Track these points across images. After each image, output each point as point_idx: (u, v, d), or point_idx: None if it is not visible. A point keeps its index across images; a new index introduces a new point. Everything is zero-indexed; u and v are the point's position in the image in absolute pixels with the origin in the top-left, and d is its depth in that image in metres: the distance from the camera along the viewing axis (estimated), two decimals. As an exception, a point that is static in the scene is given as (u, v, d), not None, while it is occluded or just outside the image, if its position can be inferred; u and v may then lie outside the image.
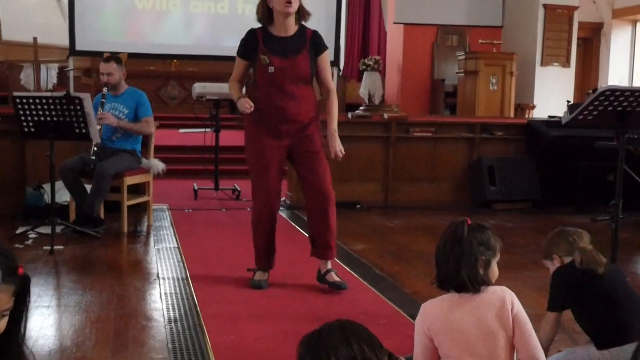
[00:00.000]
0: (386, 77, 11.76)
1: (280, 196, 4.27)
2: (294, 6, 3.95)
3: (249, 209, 6.78)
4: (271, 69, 4.00)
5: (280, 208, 6.94)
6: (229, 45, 11.19)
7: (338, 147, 4.14)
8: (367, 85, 10.73)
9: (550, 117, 7.96)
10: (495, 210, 7.13)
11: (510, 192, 7.28)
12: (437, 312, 2.34)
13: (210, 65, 13.47)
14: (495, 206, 7.21)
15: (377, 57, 11.18)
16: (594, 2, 11.02)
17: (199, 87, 7.63)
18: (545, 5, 10.08)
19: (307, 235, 4.41)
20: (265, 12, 4.03)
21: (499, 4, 10.91)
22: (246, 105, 3.96)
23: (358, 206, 7.09)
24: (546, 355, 2.67)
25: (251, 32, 4.12)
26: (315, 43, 4.10)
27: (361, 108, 8.86)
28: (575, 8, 10.17)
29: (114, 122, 5.55)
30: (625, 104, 3.31)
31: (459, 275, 2.29)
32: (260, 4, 4.07)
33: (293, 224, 6.28)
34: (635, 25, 11.05)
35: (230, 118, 13.63)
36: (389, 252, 5.31)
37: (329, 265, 4.26)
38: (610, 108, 3.34)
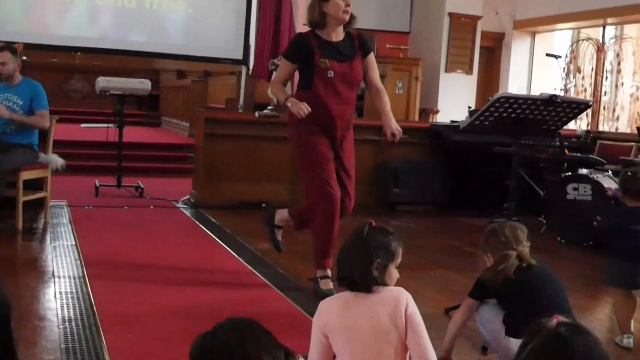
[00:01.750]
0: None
1: (336, 181, 4.12)
2: (349, 13, 4.01)
3: (152, 207, 6.70)
4: (331, 74, 4.00)
5: (185, 206, 6.88)
6: (136, 39, 10.98)
7: (395, 126, 4.08)
8: (277, 85, 10.69)
9: (452, 121, 8.18)
10: (399, 212, 7.27)
11: (415, 195, 7.44)
12: (333, 309, 2.40)
13: (116, 60, 13.18)
14: (399, 208, 7.35)
15: (287, 58, 11.16)
16: (497, 13, 11.39)
17: (102, 82, 7.43)
18: (450, 14, 10.34)
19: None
20: (319, 16, 4.03)
21: (407, 10, 11.13)
22: (304, 109, 3.87)
23: (264, 205, 7.08)
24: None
25: (302, 36, 4.13)
26: (362, 46, 4.14)
27: (269, 107, 8.84)
28: (479, 18, 10.49)
29: (5, 113, 5.31)
30: (519, 111, 3.45)
31: (353, 275, 2.38)
32: (313, 7, 4.05)
33: (198, 222, 6.20)
34: (534, 37, 11.50)
35: (136, 114, 13.36)
36: (294, 251, 5.30)
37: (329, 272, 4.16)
38: (505, 115, 3.47)
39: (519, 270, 2.88)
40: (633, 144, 7.21)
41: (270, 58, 12.40)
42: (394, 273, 2.45)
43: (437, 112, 10.42)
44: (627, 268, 3.55)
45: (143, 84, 7.69)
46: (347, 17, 4.02)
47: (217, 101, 12.55)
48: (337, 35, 4.10)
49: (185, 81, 13.02)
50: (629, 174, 3.75)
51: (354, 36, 4.15)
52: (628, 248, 3.57)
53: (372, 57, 4.20)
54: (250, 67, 14.20)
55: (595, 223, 3.89)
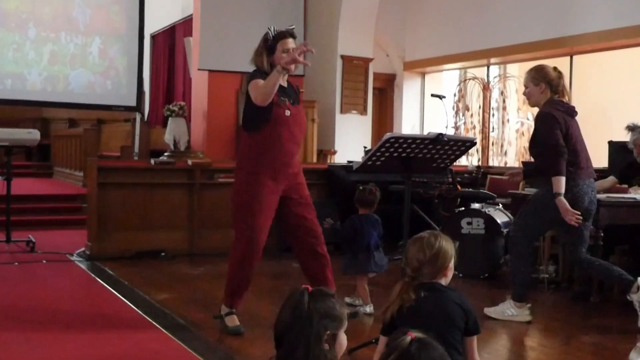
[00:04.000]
0: (192, 123, 11.72)
1: (266, 234, 4.36)
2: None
3: (45, 262, 6.44)
4: (288, 113, 4.17)
5: (80, 259, 6.66)
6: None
7: None
8: (172, 131, 10.62)
9: (349, 162, 8.33)
10: (299, 254, 7.26)
11: (314, 236, 7.45)
12: None
13: (1, 110, 12.71)
14: (299, 250, 7.35)
15: (182, 103, 11.12)
16: (387, 55, 11.75)
17: (-13, 133, 7.14)
18: (342, 56, 10.59)
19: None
20: (267, 65, 4.19)
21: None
22: (298, 56, 3.94)
23: (163, 254, 6.95)
24: None
25: (262, 70, 4.19)
26: (299, 94, 4.39)
27: (166, 154, 8.74)
28: (370, 60, 10.78)
29: None
30: (408, 150, 3.56)
31: (307, 357, 2.02)
32: (261, 57, 4.23)
33: (93, 275, 5.99)
34: (424, 77, 11.93)
35: (25, 165, 12.90)
36: (194, 300, 5.22)
37: None
38: (395, 154, 3.57)
39: (399, 311, 2.71)
40: (520, 177, 7.52)
41: (165, 104, 12.33)
42: (343, 340, 2.11)
43: (334, 152, 10.58)
44: (363, 258, 4.78)
45: (31, 134, 7.44)
46: (293, 68, 4.17)
47: (112, 149, 12.30)
48: (283, 80, 4.29)
49: (78, 130, 12.70)
50: (361, 188, 4.92)
51: (293, 84, 4.42)
52: (362, 243, 4.78)
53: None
54: (145, 113, 14.05)
55: (325, 225, 4.77)
